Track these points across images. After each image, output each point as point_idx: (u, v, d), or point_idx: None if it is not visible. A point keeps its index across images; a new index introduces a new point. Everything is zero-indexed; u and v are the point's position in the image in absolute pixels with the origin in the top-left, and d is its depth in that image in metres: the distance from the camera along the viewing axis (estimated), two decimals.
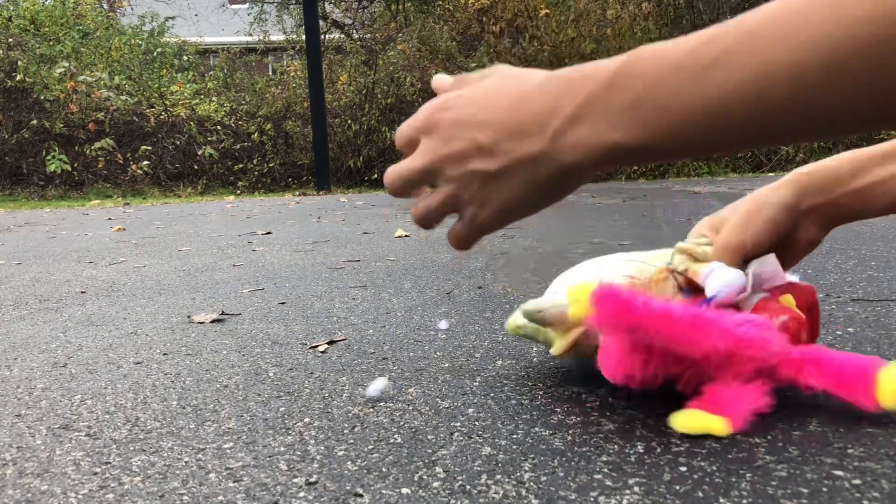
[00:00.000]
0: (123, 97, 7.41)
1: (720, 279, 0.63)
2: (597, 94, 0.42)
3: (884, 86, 0.33)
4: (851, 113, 0.35)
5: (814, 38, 0.34)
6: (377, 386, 0.74)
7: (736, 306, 0.65)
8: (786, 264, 0.69)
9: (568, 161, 0.44)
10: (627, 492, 0.50)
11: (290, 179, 7.14)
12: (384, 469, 0.56)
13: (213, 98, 8.15)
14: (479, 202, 0.49)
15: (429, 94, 6.78)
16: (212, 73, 9.36)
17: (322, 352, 0.92)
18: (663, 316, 0.57)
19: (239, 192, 6.84)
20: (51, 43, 7.65)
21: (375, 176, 6.83)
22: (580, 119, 0.42)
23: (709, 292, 0.63)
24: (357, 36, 9.68)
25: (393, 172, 0.52)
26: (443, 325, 1.06)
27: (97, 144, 6.92)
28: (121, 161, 7.02)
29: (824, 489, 0.49)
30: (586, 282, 0.64)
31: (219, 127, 7.45)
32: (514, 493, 0.50)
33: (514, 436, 0.61)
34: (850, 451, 0.55)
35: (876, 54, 0.33)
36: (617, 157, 0.42)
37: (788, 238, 0.68)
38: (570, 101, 0.43)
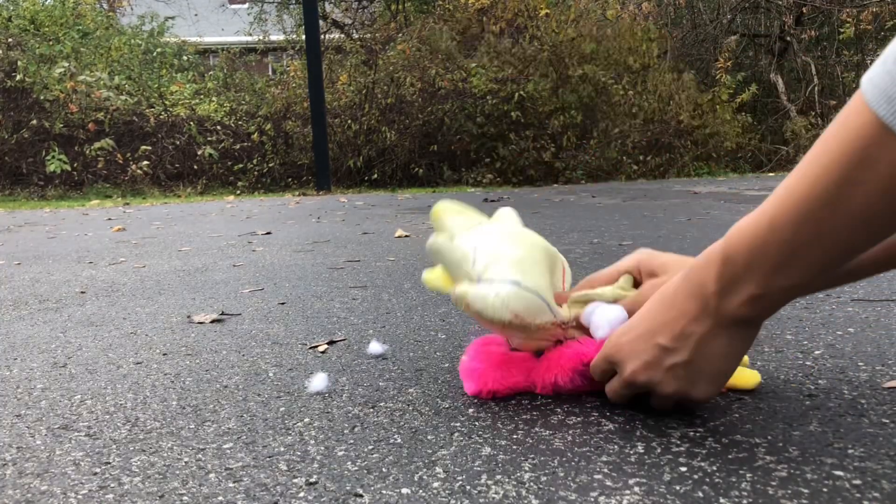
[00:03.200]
0: (123, 97, 7.40)
1: (603, 318, 0.68)
2: (722, 272, 0.55)
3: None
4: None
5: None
6: (319, 382, 0.76)
7: None
8: None
9: (731, 319, 0.56)
10: (627, 492, 0.50)
11: (289, 179, 7.13)
12: (384, 469, 0.56)
13: (213, 98, 8.13)
14: (692, 385, 0.59)
15: (428, 93, 6.68)
16: (212, 73, 9.34)
17: (322, 352, 0.92)
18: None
19: (239, 192, 6.83)
20: (51, 43, 7.63)
21: (375, 176, 6.83)
22: (722, 290, 0.55)
23: (598, 333, 0.68)
24: (357, 36, 9.68)
25: (614, 394, 0.65)
26: (377, 349, 0.91)
27: (97, 144, 6.91)
28: (120, 161, 7.01)
29: (825, 489, 0.49)
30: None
31: (218, 127, 7.44)
32: (514, 493, 0.50)
33: (514, 436, 0.61)
34: (850, 451, 0.55)
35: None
36: (760, 301, 0.54)
37: None
38: (709, 283, 0.56)
